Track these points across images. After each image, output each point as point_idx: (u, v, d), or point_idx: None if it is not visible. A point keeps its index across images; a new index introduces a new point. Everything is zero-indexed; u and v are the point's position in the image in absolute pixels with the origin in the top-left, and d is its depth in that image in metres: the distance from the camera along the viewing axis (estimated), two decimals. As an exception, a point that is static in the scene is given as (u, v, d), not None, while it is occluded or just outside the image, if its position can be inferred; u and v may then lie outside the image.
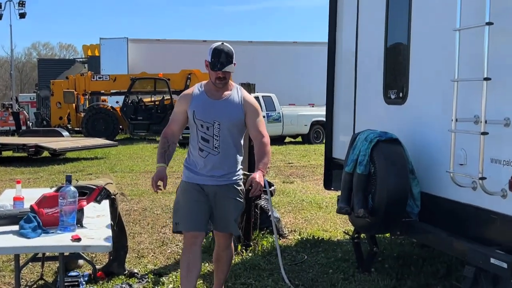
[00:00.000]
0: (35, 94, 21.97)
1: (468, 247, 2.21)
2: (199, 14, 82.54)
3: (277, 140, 11.59)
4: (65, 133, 11.02)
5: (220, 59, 1.99)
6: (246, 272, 2.93)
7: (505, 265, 1.97)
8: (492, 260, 2.03)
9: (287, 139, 13.10)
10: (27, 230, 2.02)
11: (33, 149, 8.84)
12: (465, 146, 2.24)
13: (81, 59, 26.73)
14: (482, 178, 2.07)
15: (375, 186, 2.49)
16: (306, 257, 3.25)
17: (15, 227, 2.02)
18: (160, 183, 2.06)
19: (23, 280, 2.88)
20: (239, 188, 2.18)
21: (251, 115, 2.13)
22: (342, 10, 3.49)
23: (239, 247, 3.33)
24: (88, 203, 2.36)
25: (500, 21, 2.00)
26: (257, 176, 1.99)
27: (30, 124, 16.40)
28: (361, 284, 2.73)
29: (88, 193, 2.40)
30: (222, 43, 2.06)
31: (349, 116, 3.31)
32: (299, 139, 12.96)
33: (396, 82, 2.98)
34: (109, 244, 1.99)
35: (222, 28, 77.17)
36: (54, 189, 2.45)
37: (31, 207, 2.11)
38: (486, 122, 2.05)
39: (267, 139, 2.14)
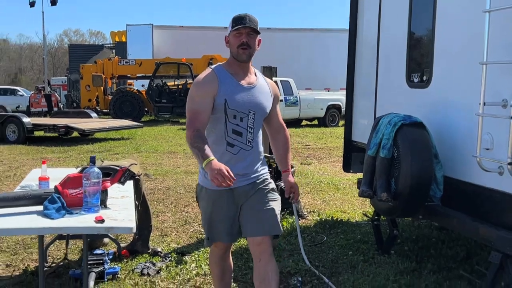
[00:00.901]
0: (66, 77, 23.53)
1: (495, 233, 2.21)
2: (220, 1, 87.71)
3: (294, 123, 12.12)
4: (94, 114, 11.61)
5: (243, 21, 1.69)
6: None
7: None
8: (521, 248, 1.97)
9: (304, 122, 13.42)
10: (51, 211, 2.04)
11: (64, 130, 9.39)
12: (492, 131, 2.24)
13: (109, 45, 28.54)
14: (511, 164, 2.06)
15: (399, 170, 2.50)
16: (325, 238, 3.34)
17: (40, 208, 2.02)
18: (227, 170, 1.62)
19: (49, 257, 3.02)
20: (271, 181, 1.95)
21: (275, 104, 1.94)
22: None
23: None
24: (112, 184, 2.39)
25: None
26: (293, 179, 1.95)
27: (61, 106, 17.31)
28: (381, 266, 2.79)
29: (112, 174, 2.45)
30: (246, 14, 1.77)
31: (370, 100, 3.32)
32: (315, 122, 13.29)
33: (419, 65, 2.96)
34: (133, 225, 2.00)
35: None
36: (78, 169, 2.53)
37: (55, 187, 2.12)
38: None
39: (283, 126, 2.01)
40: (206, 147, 1.60)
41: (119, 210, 2.14)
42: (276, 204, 1.83)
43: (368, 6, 3.45)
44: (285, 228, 3.55)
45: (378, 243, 2.97)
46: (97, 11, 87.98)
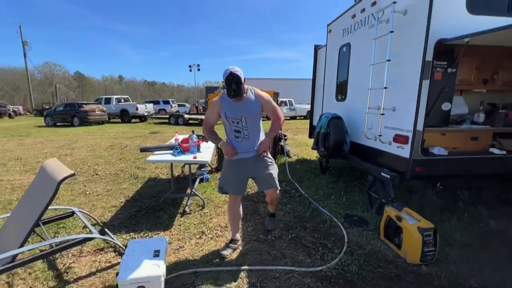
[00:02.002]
0: (205, 99, 30.48)
1: (371, 167, 3.74)
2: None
3: (292, 118, 22.81)
4: None
5: (232, 87, 2.46)
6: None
7: (388, 176, 3.39)
8: (382, 173, 3.50)
9: (297, 117, 22.90)
10: (175, 152, 3.80)
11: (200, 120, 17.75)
12: (373, 120, 3.79)
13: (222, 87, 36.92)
14: (379, 135, 3.57)
15: (329, 138, 4.70)
16: (299, 166, 6.35)
17: (171, 151, 3.93)
18: (233, 150, 2.72)
19: (177, 174, 5.81)
20: (268, 155, 2.82)
21: (265, 105, 2.64)
22: (318, 62, 6.04)
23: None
24: (202, 142, 4.44)
25: (393, 59, 3.35)
26: (263, 142, 2.73)
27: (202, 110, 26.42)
28: (321, 179, 5.28)
29: (202, 137, 4.85)
30: (231, 72, 2.46)
31: (319, 107, 5.96)
32: (302, 117, 22.96)
33: (341, 91, 5.01)
34: (208, 160, 3.65)
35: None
36: (189, 135, 4.27)
37: (178, 143, 3.96)
38: (383, 108, 3.48)
39: (277, 117, 2.71)
40: (217, 136, 2.73)
41: (205, 153, 3.90)
42: (273, 169, 2.83)
43: (319, 67, 6.02)
44: (279, 161, 6.60)
45: (321, 169, 5.79)
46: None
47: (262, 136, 2.83)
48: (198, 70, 41.46)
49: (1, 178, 5.75)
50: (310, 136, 6.50)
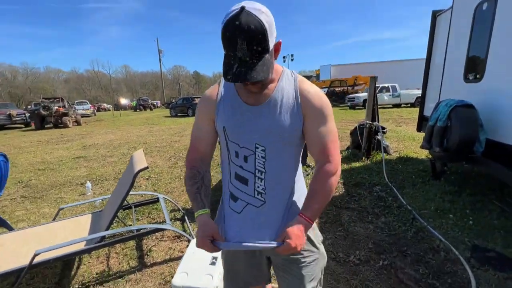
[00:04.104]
0: None
1: None
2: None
3: (396, 106, 20.28)
4: None
5: (238, 49, 0.92)
6: (364, 170, 5.01)
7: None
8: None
9: (402, 105, 20.21)
10: None
11: None
12: None
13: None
14: None
15: (450, 134, 3.44)
16: (400, 166, 5.15)
17: None
18: (208, 242, 1.06)
19: None
20: (307, 241, 1.19)
21: (313, 119, 1.08)
22: (437, 34, 4.90)
23: (363, 158, 5.55)
24: None
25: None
26: (295, 230, 1.05)
27: None
28: (433, 186, 4.09)
29: None
30: (241, 10, 0.91)
31: (436, 91, 4.68)
32: (409, 105, 20.12)
33: (475, 69, 3.80)
34: None
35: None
36: None
37: None
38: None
39: (333, 167, 1.09)
40: (196, 194, 1.11)
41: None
42: (309, 277, 1.20)
43: (437, 39, 4.88)
44: (377, 159, 5.50)
45: (433, 173, 4.52)
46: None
47: (299, 198, 1.18)
48: (292, 60, 42.10)
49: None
50: (418, 130, 5.33)
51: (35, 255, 2.17)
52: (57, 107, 16.75)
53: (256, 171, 1.11)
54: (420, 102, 5.38)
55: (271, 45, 0.96)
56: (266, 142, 1.08)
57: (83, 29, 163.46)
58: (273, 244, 1.06)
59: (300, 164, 1.22)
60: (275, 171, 1.12)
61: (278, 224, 1.14)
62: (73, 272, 2.67)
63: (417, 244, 2.85)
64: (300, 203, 1.16)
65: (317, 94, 1.10)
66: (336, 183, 1.11)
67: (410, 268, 2.50)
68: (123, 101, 44.60)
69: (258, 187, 1.12)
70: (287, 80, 1.12)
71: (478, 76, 3.79)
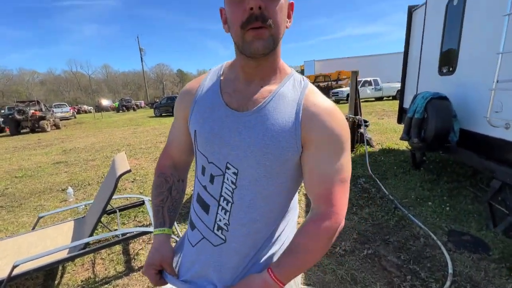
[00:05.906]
0: None
1: (497, 167, 2.73)
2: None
3: (378, 99, 20.76)
4: None
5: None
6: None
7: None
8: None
9: (384, 98, 20.98)
10: None
11: None
12: (504, 100, 2.77)
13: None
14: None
15: (427, 125, 3.65)
16: (383, 158, 5.33)
17: None
18: (153, 272, 0.88)
19: None
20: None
21: (317, 147, 0.78)
22: (413, 28, 5.00)
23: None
24: None
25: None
26: (256, 283, 0.79)
27: None
28: (413, 176, 4.29)
29: None
30: None
31: (413, 84, 4.83)
32: (390, 98, 20.80)
33: (447, 62, 3.95)
34: None
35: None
36: None
37: None
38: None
39: (335, 221, 0.82)
40: (159, 210, 0.92)
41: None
42: None
43: (414, 34, 4.95)
44: (360, 152, 5.65)
45: (413, 163, 4.71)
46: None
47: (278, 250, 0.87)
48: None
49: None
50: (399, 121, 5.50)
51: (14, 266, 2.07)
52: (33, 111, 16.07)
53: (221, 198, 0.80)
54: (400, 95, 5.58)
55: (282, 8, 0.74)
56: (241, 165, 0.77)
57: (58, 28, 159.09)
58: None
59: (295, 204, 0.87)
60: (247, 205, 0.79)
61: (239, 269, 0.82)
62: (56, 282, 2.59)
63: (398, 232, 2.99)
64: (277, 256, 0.83)
65: (329, 112, 0.77)
66: (332, 242, 0.82)
67: (393, 255, 2.63)
68: (105, 102, 43.27)
69: (220, 220, 0.81)
70: (292, 86, 0.80)
71: (451, 69, 3.95)
